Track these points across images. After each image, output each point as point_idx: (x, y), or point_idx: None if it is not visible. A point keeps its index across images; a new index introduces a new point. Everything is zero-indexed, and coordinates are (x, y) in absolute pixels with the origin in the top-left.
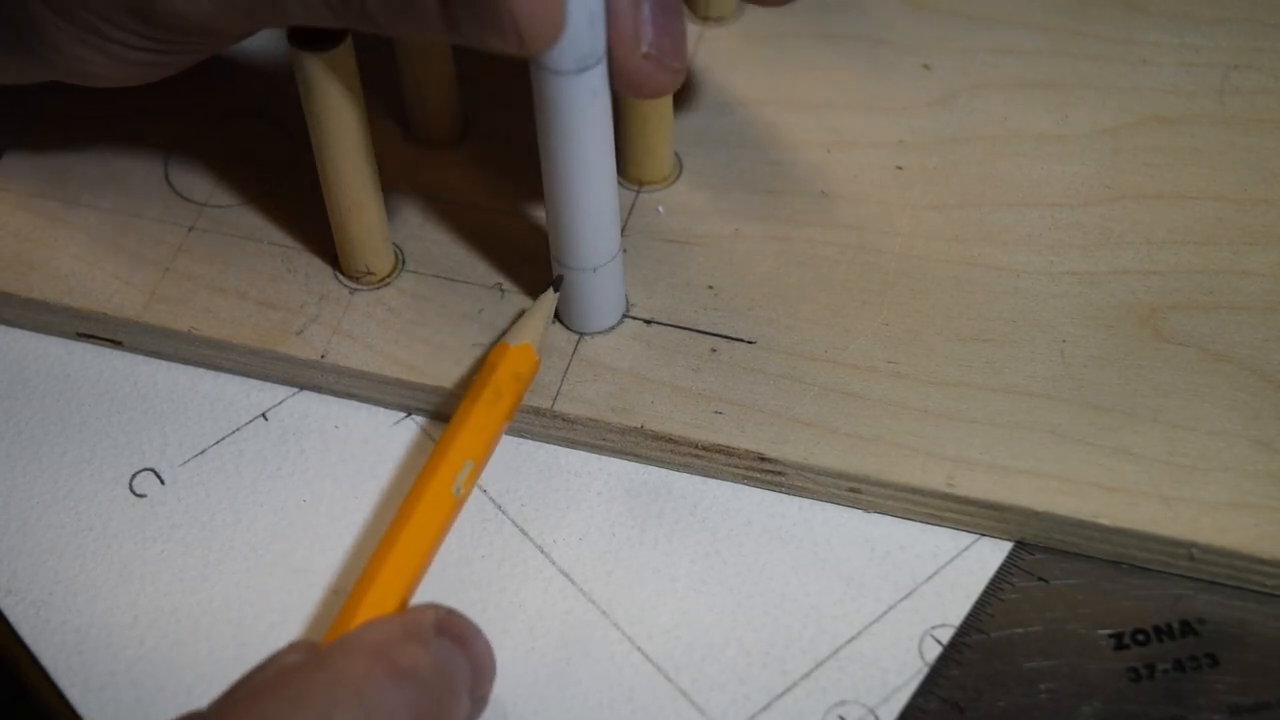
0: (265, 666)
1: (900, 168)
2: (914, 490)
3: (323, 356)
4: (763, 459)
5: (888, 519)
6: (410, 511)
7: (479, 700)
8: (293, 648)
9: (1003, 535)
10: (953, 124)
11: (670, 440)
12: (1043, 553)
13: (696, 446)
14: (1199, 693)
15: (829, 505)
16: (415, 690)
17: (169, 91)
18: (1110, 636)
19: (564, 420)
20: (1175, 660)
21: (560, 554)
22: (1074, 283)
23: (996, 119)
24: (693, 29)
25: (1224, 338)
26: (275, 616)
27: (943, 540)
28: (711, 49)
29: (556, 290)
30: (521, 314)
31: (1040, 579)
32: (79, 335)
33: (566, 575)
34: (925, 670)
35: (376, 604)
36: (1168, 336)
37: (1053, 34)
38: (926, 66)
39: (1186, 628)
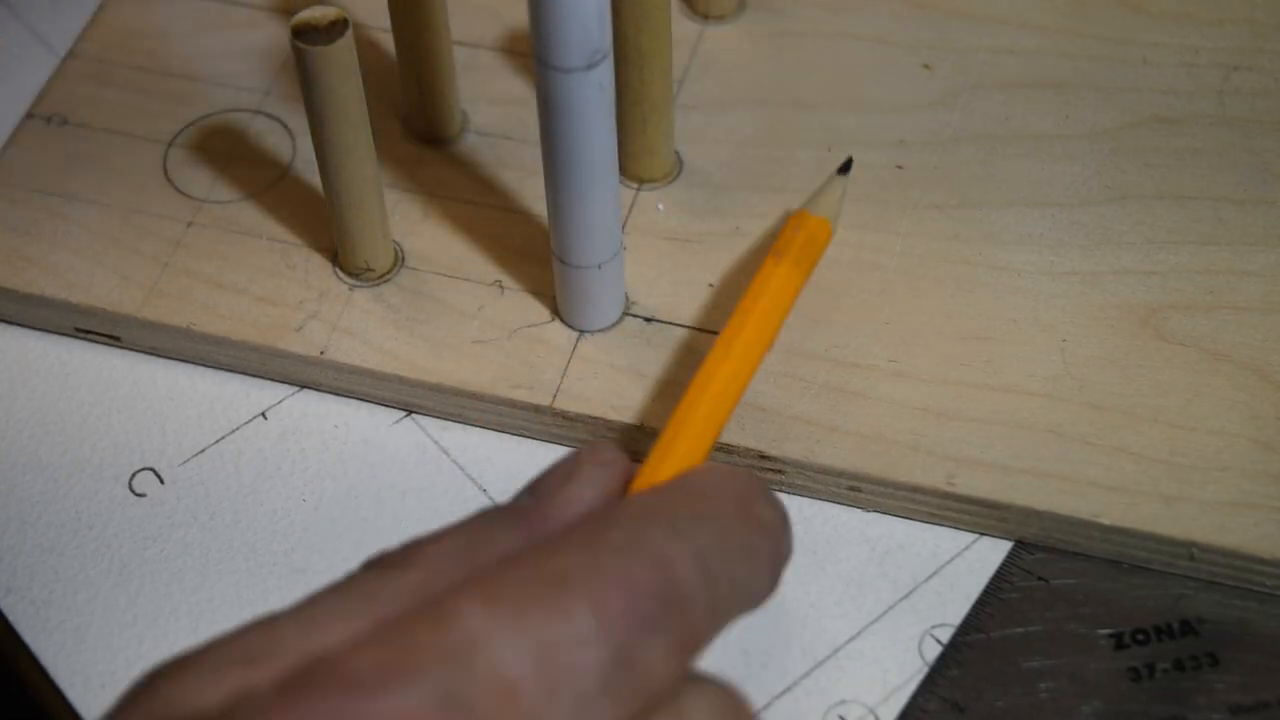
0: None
1: (901, 167)
2: (914, 489)
3: (322, 353)
4: (763, 457)
5: (887, 518)
6: (719, 363)
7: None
8: (591, 454)
9: (1003, 534)
10: (953, 124)
11: None
12: (1043, 552)
13: None
14: (1199, 692)
15: (829, 504)
16: (767, 540)
17: (168, 86)
18: (1110, 636)
19: (564, 418)
20: (1175, 660)
21: None
22: (1074, 282)
23: (997, 119)
24: (693, 27)
25: (1224, 338)
26: None
27: (942, 540)
28: (712, 47)
29: (845, 173)
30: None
31: (1040, 578)
32: (77, 331)
33: None
34: (925, 670)
35: (689, 452)
36: (1168, 336)
37: (1053, 34)
38: (927, 66)
39: (1187, 627)
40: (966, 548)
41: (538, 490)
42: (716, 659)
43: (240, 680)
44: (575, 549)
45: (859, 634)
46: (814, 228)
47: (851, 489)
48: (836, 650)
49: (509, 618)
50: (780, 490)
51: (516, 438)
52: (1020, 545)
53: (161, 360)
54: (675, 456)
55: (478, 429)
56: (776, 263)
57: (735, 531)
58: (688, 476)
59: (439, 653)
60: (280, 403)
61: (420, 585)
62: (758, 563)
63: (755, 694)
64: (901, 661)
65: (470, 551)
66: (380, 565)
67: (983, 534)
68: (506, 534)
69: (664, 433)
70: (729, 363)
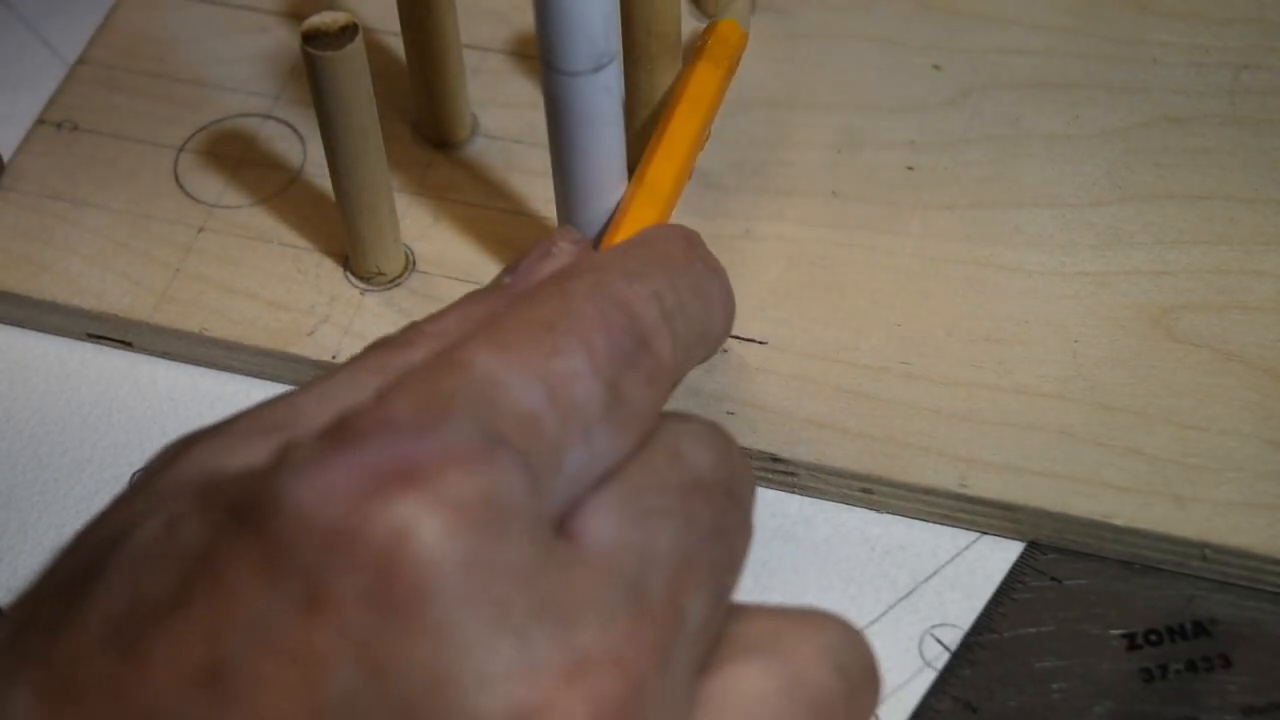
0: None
1: (911, 168)
2: (927, 491)
3: (334, 357)
4: (775, 459)
5: (887, 518)
6: (661, 137)
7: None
8: (562, 234)
9: (1015, 535)
10: (963, 124)
11: None
12: (1055, 553)
13: None
14: (1212, 693)
15: (829, 503)
16: (717, 279)
17: (178, 91)
18: (1123, 636)
19: None
20: (1188, 660)
21: None
22: (1086, 283)
23: (1007, 119)
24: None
25: (1236, 338)
26: None
27: (942, 540)
28: None
29: None
30: None
31: (1053, 579)
32: (88, 336)
33: None
34: (925, 670)
35: (640, 217)
36: (1180, 337)
37: (1063, 34)
38: (937, 67)
39: (1199, 628)
40: (966, 547)
41: (517, 269)
42: None
43: (276, 440)
44: (550, 299)
45: None
46: (723, 30)
47: (864, 491)
48: None
49: (516, 359)
50: (792, 492)
51: None
52: (1033, 546)
53: (164, 362)
54: (623, 231)
55: None
56: (690, 68)
57: (684, 272)
58: (635, 236)
59: (467, 395)
60: None
61: (427, 354)
62: (710, 299)
63: None
64: (902, 661)
65: (466, 323)
66: (384, 345)
67: (993, 535)
68: (496, 304)
69: (612, 216)
70: (660, 153)
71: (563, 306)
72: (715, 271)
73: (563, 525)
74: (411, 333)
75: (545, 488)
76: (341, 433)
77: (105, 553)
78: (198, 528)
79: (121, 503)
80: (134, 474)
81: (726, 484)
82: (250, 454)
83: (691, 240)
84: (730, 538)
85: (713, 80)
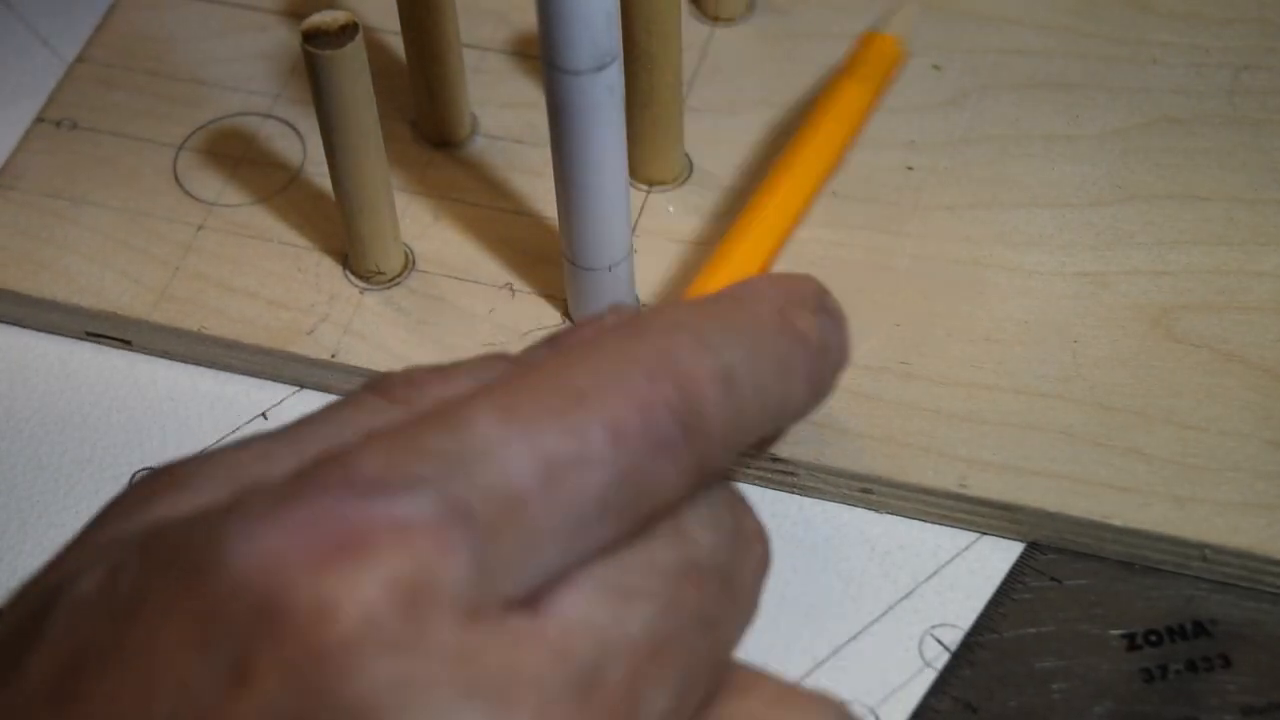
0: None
1: (911, 168)
2: (926, 491)
3: (333, 356)
4: (775, 459)
5: (888, 519)
6: (782, 175)
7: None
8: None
9: (1015, 536)
10: (963, 124)
11: None
12: (1055, 553)
13: None
14: (1211, 693)
15: (829, 503)
16: (807, 352)
17: (178, 90)
18: (1123, 637)
19: None
20: (1188, 661)
21: None
22: (1085, 283)
23: (1007, 119)
24: (703, 29)
25: (1236, 338)
26: None
27: (942, 540)
28: (721, 49)
29: None
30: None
31: (1053, 579)
32: (87, 335)
33: None
34: (925, 670)
35: (744, 264)
36: (1180, 337)
37: (1062, 34)
38: (936, 67)
39: (1199, 628)
40: (966, 548)
41: (558, 343)
42: None
43: (238, 483)
44: (596, 361)
45: (859, 634)
46: (881, 44)
47: (864, 491)
48: (837, 650)
49: (520, 429)
50: (792, 492)
51: None
52: (1033, 546)
53: (163, 361)
54: (728, 268)
55: None
56: (839, 80)
57: (769, 344)
58: (733, 286)
59: (447, 458)
60: (280, 403)
61: (428, 405)
62: (791, 376)
63: None
64: (902, 661)
65: (488, 373)
66: (384, 387)
67: (994, 535)
68: (536, 355)
69: (719, 245)
70: (791, 176)
71: (605, 374)
72: (806, 343)
73: (536, 597)
74: (420, 376)
75: (510, 569)
76: (299, 484)
77: (49, 602)
78: (137, 578)
79: (70, 548)
80: (135, 474)
81: (725, 570)
82: (208, 496)
83: (795, 299)
84: (717, 628)
85: (862, 102)
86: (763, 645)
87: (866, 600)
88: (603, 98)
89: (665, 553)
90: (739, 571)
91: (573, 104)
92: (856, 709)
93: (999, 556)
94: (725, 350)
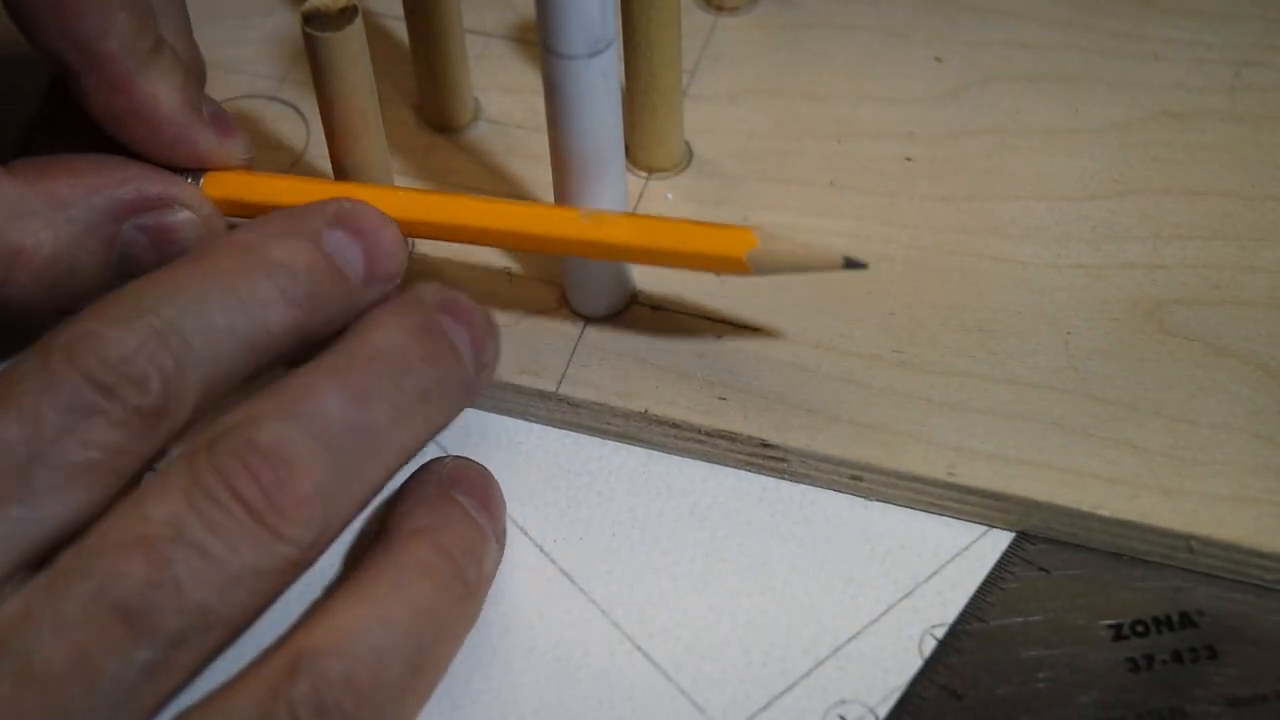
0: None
1: (909, 159)
2: (915, 479)
3: None
4: (765, 445)
5: (890, 515)
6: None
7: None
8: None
9: (1004, 525)
10: (962, 116)
11: (674, 425)
12: (1044, 543)
13: (700, 432)
14: (1197, 684)
15: (831, 503)
16: (288, 280)
17: None
18: (1110, 627)
19: (569, 404)
20: (1174, 651)
21: (560, 553)
22: (1080, 275)
23: (1006, 112)
24: (706, 18)
25: (1229, 333)
26: (273, 615)
27: (943, 539)
28: (723, 38)
29: (847, 268)
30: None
31: (1041, 569)
32: None
33: (566, 575)
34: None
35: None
36: (1172, 330)
37: (1064, 28)
38: (937, 59)
39: (1185, 619)
40: (967, 547)
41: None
42: (716, 656)
43: None
44: (33, 357)
45: (860, 633)
46: (734, 234)
47: (853, 478)
48: (837, 649)
49: None
50: (782, 478)
51: (521, 421)
52: (1022, 536)
53: None
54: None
55: (482, 413)
56: (588, 216)
57: (228, 287)
58: (197, 251)
59: None
60: None
61: None
62: (253, 304)
63: (755, 693)
64: (902, 661)
65: None
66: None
67: (984, 525)
68: None
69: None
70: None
71: (32, 367)
72: (269, 268)
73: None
74: None
75: None
76: None
77: None
78: None
79: None
80: None
81: (145, 602)
82: None
83: (253, 244)
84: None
85: (566, 226)
86: (763, 645)
87: (866, 599)
88: (597, 83)
89: (107, 538)
90: (160, 599)
91: (568, 88)
92: (856, 708)
93: (987, 546)
94: (160, 310)
